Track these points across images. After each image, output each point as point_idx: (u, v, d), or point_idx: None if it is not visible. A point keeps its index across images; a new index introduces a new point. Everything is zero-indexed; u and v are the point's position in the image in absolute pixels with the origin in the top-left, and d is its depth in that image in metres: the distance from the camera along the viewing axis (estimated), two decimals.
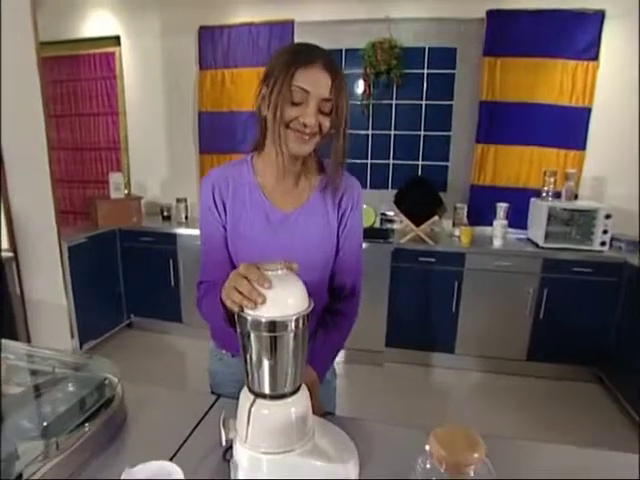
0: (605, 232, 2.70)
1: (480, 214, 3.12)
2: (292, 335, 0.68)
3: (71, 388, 1.01)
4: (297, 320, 0.67)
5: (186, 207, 3.44)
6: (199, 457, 0.85)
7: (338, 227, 1.04)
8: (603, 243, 2.72)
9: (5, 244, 2.42)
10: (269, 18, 3.18)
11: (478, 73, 3.00)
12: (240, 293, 0.67)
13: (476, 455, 0.56)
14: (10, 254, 2.42)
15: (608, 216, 2.68)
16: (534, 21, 2.87)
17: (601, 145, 2.96)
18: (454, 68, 3.05)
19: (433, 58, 3.06)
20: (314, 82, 0.87)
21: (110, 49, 3.54)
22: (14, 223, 2.43)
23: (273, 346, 0.68)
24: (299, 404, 0.72)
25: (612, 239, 2.79)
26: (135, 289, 3.44)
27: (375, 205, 3.21)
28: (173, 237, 3.25)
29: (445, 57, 3.04)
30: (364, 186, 3.32)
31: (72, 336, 2.87)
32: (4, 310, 2.43)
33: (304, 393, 0.75)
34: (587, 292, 2.70)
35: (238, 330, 0.70)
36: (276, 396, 0.71)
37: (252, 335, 0.68)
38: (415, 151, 3.22)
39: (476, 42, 2.96)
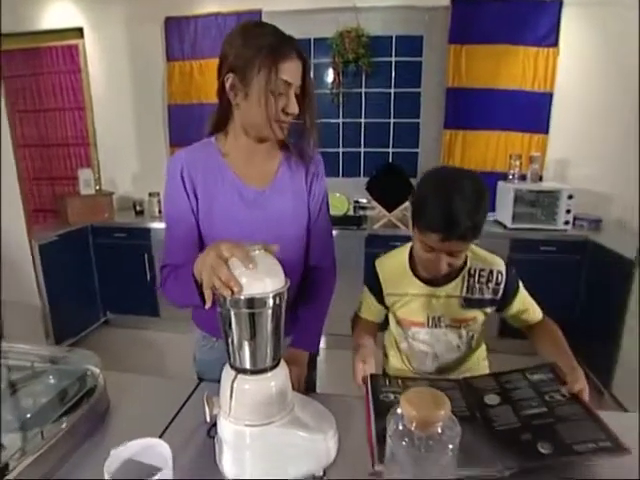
0: (568, 212, 2.82)
1: None
2: (270, 312, 0.72)
3: (52, 380, 1.02)
4: (275, 297, 0.71)
5: (159, 201, 3.40)
6: (184, 438, 0.88)
7: (308, 196, 1.11)
8: (567, 222, 2.84)
9: None
10: (236, 8, 3.15)
11: (444, 61, 3.07)
12: (218, 279, 0.70)
13: (442, 412, 0.61)
14: None
15: (570, 196, 2.80)
16: (497, 9, 2.94)
17: (563, 128, 3.07)
18: (421, 56, 3.11)
19: (400, 46, 3.10)
20: (294, 73, 0.93)
21: (73, 41, 3.44)
22: None
23: (252, 323, 0.71)
24: (279, 378, 0.76)
25: (575, 218, 2.92)
26: (110, 286, 3.40)
27: (348, 193, 3.25)
28: (147, 232, 3.22)
29: (412, 45, 3.09)
30: (337, 175, 3.36)
31: (47, 336, 2.84)
32: None
33: (283, 367, 0.78)
34: (553, 269, 2.82)
35: (218, 309, 0.73)
36: (257, 371, 0.75)
37: (232, 313, 0.71)
38: (385, 138, 3.27)
39: (442, 30, 3.02)
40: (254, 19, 0.98)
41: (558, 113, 3.06)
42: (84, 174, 3.29)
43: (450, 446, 0.61)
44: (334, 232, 3.09)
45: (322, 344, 3.00)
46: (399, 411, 0.64)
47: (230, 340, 0.73)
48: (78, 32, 3.41)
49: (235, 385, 0.74)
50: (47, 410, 0.90)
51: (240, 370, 0.75)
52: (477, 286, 1.13)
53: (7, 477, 0.71)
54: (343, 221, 3.06)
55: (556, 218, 2.86)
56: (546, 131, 3.08)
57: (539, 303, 1.21)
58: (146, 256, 3.23)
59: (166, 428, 0.91)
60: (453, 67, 3.05)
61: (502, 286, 1.13)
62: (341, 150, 3.34)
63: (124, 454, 0.66)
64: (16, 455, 0.76)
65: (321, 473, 0.78)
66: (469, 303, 1.13)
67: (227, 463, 0.76)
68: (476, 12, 2.96)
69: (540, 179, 3.04)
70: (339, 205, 3.29)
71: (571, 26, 2.92)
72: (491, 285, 1.13)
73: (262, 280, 0.70)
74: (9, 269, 2.54)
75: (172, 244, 1.04)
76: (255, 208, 1.03)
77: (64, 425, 0.84)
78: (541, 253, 2.83)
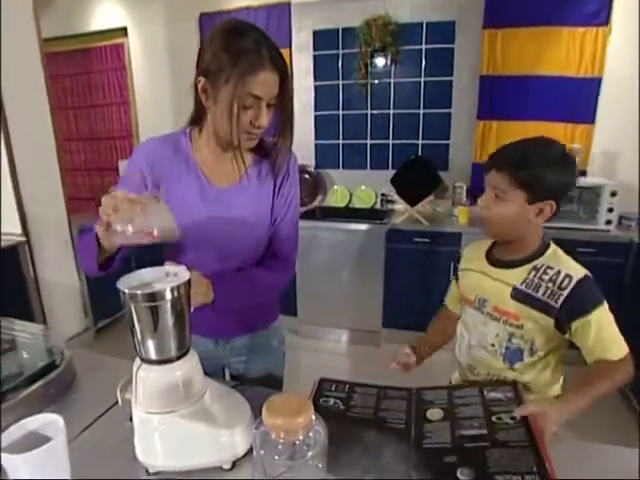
0: (610, 210, 2.57)
1: (482, 193, 3.03)
2: (170, 304, 0.73)
3: (25, 355, 1.13)
4: (173, 290, 0.72)
5: None
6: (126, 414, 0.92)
7: (274, 197, 1.07)
8: (608, 222, 2.58)
9: (18, 229, 2.61)
10: (266, 1, 3.17)
11: (478, 46, 2.89)
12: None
13: (301, 420, 0.58)
14: (22, 238, 2.60)
15: (614, 193, 2.54)
16: None
17: (612, 118, 2.79)
18: (453, 42, 2.94)
19: (431, 33, 2.96)
20: (265, 87, 0.89)
21: (119, 40, 3.65)
22: (25, 209, 2.61)
23: (153, 315, 0.73)
24: (185, 368, 0.77)
25: (621, 217, 2.67)
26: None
27: (375, 186, 3.19)
28: None
29: (444, 31, 2.93)
30: (364, 167, 3.30)
31: (86, 315, 3.07)
32: (19, 292, 2.62)
33: (192, 357, 0.79)
34: (592, 273, 2.59)
35: (122, 300, 0.75)
36: (162, 361, 0.76)
37: (132, 306, 0.73)
38: (415, 130, 3.15)
39: (475, 14, 2.84)
40: (243, 19, 0.93)
41: (607, 101, 2.78)
42: (124, 165, 3.49)
43: (310, 453, 0.58)
44: (359, 227, 3.03)
45: (345, 338, 2.99)
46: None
47: (134, 332, 0.75)
48: (123, 31, 3.61)
49: (140, 374, 0.76)
50: (14, 377, 0.98)
51: (146, 360, 0.77)
52: (536, 281, 1.01)
53: None
54: (369, 215, 3.01)
55: (597, 217, 2.61)
56: (592, 121, 2.82)
57: None
58: None
59: (114, 404, 0.95)
60: (488, 53, 2.86)
61: (565, 293, 0.97)
62: (369, 142, 3.27)
63: (28, 427, 0.70)
64: None
65: (228, 466, 0.79)
66: (518, 295, 1.02)
67: (139, 447, 0.79)
68: None
69: (584, 174, 2.79)
70: (366, 198, 3.25)
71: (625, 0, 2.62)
72: (551, 286, 0.98)
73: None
74: (51, 252, 2.77)
75: None
76: (215, 207, 1.02)
77: (28, 390, 0.94)
78: (579, 254, 2.58)
